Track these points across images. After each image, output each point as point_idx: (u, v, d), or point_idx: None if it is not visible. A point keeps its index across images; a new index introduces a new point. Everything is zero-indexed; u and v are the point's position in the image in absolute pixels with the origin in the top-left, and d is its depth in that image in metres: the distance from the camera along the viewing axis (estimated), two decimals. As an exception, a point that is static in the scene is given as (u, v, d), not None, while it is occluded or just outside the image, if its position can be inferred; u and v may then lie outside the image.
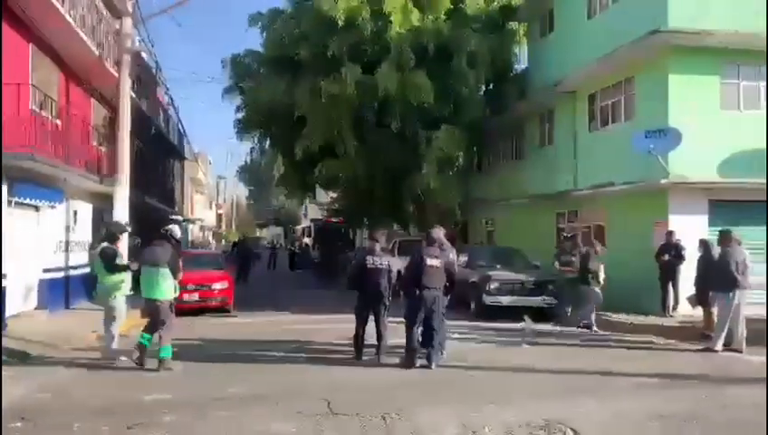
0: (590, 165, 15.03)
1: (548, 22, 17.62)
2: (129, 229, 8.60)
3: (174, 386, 6.94)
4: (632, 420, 5.76)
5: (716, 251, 10.13)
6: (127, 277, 8.35)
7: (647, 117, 13.00)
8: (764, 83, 13.01)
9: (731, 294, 9.31)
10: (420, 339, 8.12)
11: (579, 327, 11.68)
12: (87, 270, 14.45)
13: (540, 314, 12.73)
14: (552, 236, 16.96)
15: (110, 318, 8.31)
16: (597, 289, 11.59)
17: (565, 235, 15.13)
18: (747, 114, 12.87)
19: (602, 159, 14.50)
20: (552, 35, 17.42)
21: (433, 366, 7.87)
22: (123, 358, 7.97)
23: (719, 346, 9.35)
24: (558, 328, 11.96)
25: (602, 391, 6.94)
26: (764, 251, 12.71)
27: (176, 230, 8.46)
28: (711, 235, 11.74)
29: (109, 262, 8.15)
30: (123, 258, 8.22)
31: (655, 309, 12.23)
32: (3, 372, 6.82)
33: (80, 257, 14.00)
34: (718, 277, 9.54)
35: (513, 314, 12.49)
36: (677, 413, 5.90)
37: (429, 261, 8.04)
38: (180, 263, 8.25)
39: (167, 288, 7.93)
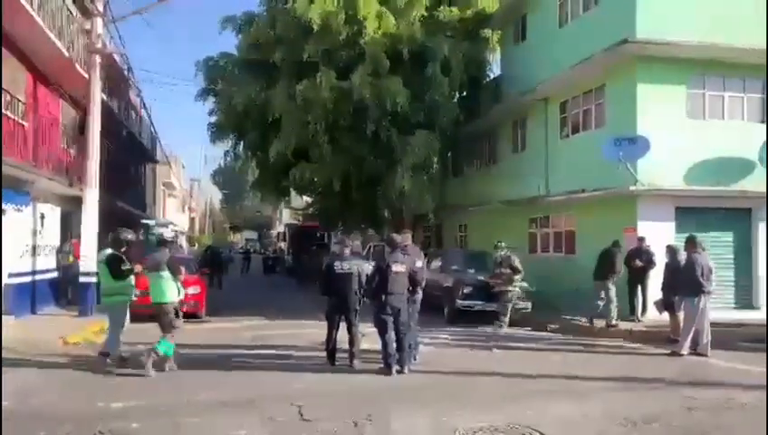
0: (561, 171, 15.26)
1: (521, 30, 17.87)
2: (133, 238, 8.75)
3: (144, 392, 6.85)
4: (599, 422, 5.86)
5: (682, 257, 10.37)
6: (132, 283, 8.54)
7: (616, 125, 13.26)
8: (729, 94, 13.37)
9: (696, 299, 9.52)
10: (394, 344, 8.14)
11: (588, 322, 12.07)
12: (55, 275, 14.18)
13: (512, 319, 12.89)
14: (525, 241, 17.17)
15: (116, 324, 8.37)
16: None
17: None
18: (712, 123, 13.21)
19: (573, 165, 14.74)
20: (524, 43, 17.67)
21: (406, 370, 7.91)
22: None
23: (685, 350, 9.56)
24: (528, 332, 12.10)
25: (571, 394, 7.06)
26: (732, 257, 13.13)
27: (126, 235, 8.63)
28: (678, 241, 12.03)
29: (114, 268, 8.21)
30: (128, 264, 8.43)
31: (623, 314, 12.44)
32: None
33: (47, 262, 13.71)
34: (684, 282, 9.75)
35: (486, 318, 12.63)
36: (644, 416, 6.02)
37: (395, 267, 8.07)
38: (180, 265, 8.57)
39: (170, 291, 8.20)
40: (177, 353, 8.29)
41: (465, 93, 20.12)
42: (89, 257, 12.77)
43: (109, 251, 8.42)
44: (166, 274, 8.19)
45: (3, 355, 8.36)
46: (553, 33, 15.89)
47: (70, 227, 15.36)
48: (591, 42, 13.28)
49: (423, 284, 8.85)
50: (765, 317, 10.26)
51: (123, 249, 8.47)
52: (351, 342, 8.37)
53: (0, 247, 9.12)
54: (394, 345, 7.99)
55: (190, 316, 13.16)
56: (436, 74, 17.47)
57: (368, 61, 17.23)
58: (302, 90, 17.25)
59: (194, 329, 11.87)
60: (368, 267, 8.69)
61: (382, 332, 8.04)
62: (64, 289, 14.36)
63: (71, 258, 14.06)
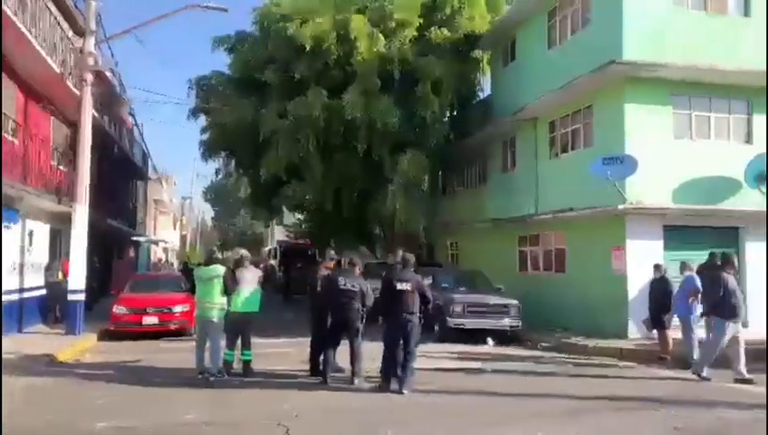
0: (550, 190, 15.37)
1: (510, 51, 18.09)
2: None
3: (128, 412, 6.77)
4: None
5: (669, 275, 10.44)
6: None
7: (604, 144, 13.39)
8: (715, 115, 13.56)
9: (728, 323, 8.85)
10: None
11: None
12: (43, 292, 14.07)
13: (503, 337, 12.91)
14: (515, 260, 17.23)
15: (217, 334, 8.66)
16: None
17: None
18: (698, 143, 13.37)
19: (562, 184, 14.86)
20: (514, 64, 17.88)
21: (405, 391, 7.77)
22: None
23: (705, 372, 9.06)
24: (519, 350, 12.09)
25: (563, 414, 7.04)
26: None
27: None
28: (666, 259, 12.13)
29: (227, 285, 8.70)
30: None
31: (614, 331, 12.48)
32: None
33: (35, 279, 13.60)
34: (717, 303, 8.99)
35: (477, 336, 12.63)
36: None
37: (399, 285, 8.03)
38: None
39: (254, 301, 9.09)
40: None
41: (455, 113, 20.30)
42: (77, 275, 12.70)
43: (222, 268, 8.85)
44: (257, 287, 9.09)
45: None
46: (542, 55, 16.10)
47: (59, 245, 15.28)
48: (580, 63, 13.46)
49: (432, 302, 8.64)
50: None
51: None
52: (354, 359, 8.33)
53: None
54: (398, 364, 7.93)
55: (179, 334, 13.11)
56: (426, 94, 17.64)
57: (359, 80, 17.39)
58: (294, 108, 17.36)
59: (181, 347, 11.78)
60: (368, 285, 8.69)
61: (387, 349, 8.03)
62: (52, 307, 14.24)
63: (59, 276, 13.96)
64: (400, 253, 9.44)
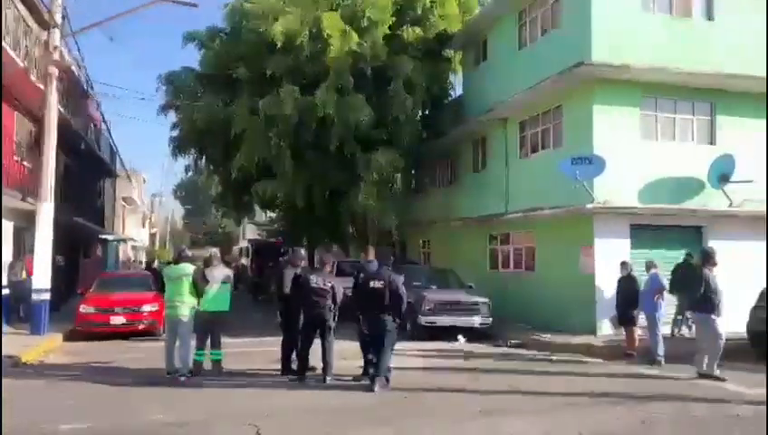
0: (521, 190, 15.56)
1: (482, 51, 18.24)
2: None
3: (95, 414, 6.66)
4: (555, 437, 5.96)
5: (635, 273, 10.66)
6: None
7: (573, 144, 13.61)
8: (680, 116, 13.89)
9: (712, 318, 8.93)
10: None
11: None
12: (6, 292, 13.71)
13: (474, 334, 13.03)
14: (486, 258, 17.40)
15: (187, 334, 8.62)
16: None
17: None
18: (664, 144, 13.68)
19: (532, 184, 15.05)
20: (485, 64, 18.04)
21: (375, 389, 7.78)
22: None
23: (714, 370, 8.95)
24: (489, 347, 12.22)
25: (531, 410, 7.13)
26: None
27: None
28: (633, 257, 12.38)
29: (197, 284, 8.73)
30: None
31: (583, 328, 12.69)
32: None
33: (-3, 278, 13.25)
34: (700, 300, 9.07)
35: (448, 334, 12.73)
36: (604, 431, 6.14)
37: (373, 283, 8.05)
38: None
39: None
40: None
41: (427, 112, 20.38)
42: (42, 274, 12.43)
43: (191, 267, 8.83)
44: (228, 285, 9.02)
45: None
46: (513, 55, 16.27)
47: (23, 243, 14.92)
48: (549, 64, 13.64)
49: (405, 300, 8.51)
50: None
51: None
52: (325, 357, 8.32)
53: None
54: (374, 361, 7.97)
55: (148, 334, 12.93)
56: (399, 92, 17.67)
57: (331, 78, 17.34)
58: (265, 105, 17.23)
59: (149, 347, 11.63)
60: (339, 283, 8.73)
61: (363, 348, 8.10)
62: (16, 307, 13.89)
63: (23, 275, 13.63)
64: (372, 251, 9.45)
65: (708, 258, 9.32)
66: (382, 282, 8.02)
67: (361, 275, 8.47)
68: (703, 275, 9.06)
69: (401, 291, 8.06)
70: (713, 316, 8.95)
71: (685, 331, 12.51)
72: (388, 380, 7.98)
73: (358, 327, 8.38)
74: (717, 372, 8.88)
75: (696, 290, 9.05)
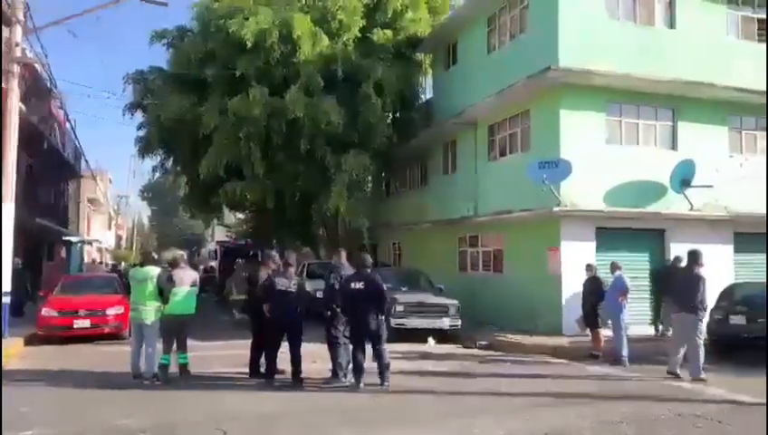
0: (489, 193, 15.73)
1: (452, 54, 18.40)
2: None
3: (57, 419, 6.53)
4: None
5: (600, 275, 10.88)
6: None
7: (541, 148, 13.82)
8: (643, 122, 14.22)
9: (694, 317, 8.97)
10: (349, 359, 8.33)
11: None
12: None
13: (444, 336, 13.12)
14: (456, 260, 17.54)
15: (153, 337, 8.53)
16: None
17: None
18: (628, 149, 13.98)
19: (501, 187, 15.23)
20: (455, 68, 18.20)
21: (361, 385, 8.01)
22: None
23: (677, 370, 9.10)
24: (458, 349, 12.33)
25: (498, 410, 7.21)
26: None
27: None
28: (598, 260, 12.64)
29: (162, 287, 8.59)
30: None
31: (550, 330, 12.89)
32: None
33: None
34: (683, 299, 9.15)
35: (418, 335, 12.79)
36: (568, 431, 6.25)
37: (353, 284, 8.22)
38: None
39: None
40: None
41: (398, 115, 20.46)
42: (2, 276, 12.08)
43: (156, 269, 8.69)
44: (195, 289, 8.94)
45: None
46: (482, 60, 16.46)
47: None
48: (518, 69, 13.83)
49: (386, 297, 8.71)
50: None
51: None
52: (294, 360, 8.32)
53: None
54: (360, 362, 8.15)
55: (114, 338, 12.68)
56: (369, 95, 17.70)
57: (302, 79, 17.29)
58: (235, 106, 17.09)
59: (115, 351, 11.41)
60: (307, 285, 8.80)
61: (353, 347, 8.26)
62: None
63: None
64: (344, 253, 9.48)
65: (697, 259, 9.34)
66: (362, 283, 8.21)
67: (335, 277, 8.56)
68: (701, 278, 9.08)
69: (383, 290, 8.29)
70: (700, 317, 9.02)
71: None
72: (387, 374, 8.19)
73: (327, 333, 8.47)
74: (704, 375, 8.86)
75: (694, 291, 8.98)
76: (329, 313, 8.51)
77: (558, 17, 13.27)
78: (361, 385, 8.00)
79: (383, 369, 8.12)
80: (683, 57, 13.90)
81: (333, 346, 8.49)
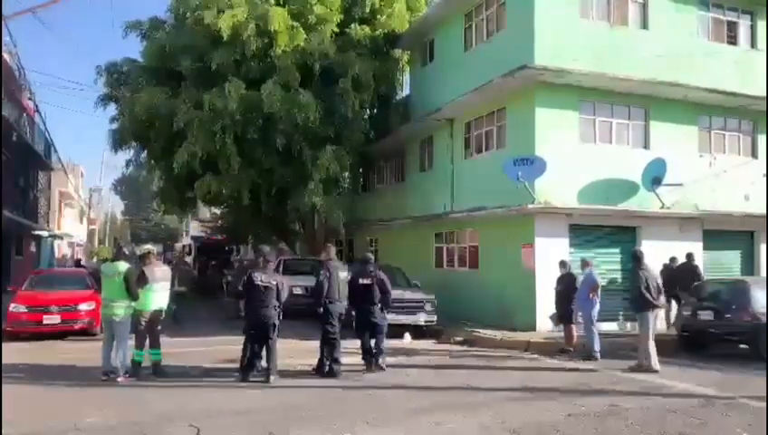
0: (465, 189, 15.83)
1: (429, 51, 18.43)
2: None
3: (25, 417, 6.40)
4: (495, 433, 6.11)
5: (574, 271, 11.06)
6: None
7: (516, 146, 13.94)
8: (616, 121, 14.44)
9: (647, 314, 9.77)
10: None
11: None
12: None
13: (420, 331, 13.19)
14: (432, 256, 17.63)
15: (124, 333, 8.42)
16: None
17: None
18: (601, 147, 14.19)
19: (477, 184, 15.34)
20: (432, 64, 18.24)
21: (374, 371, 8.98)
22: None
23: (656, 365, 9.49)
24: (434, 344, 12.40)
25: (471, 404, 7.30)
26: (620, 271, 14.06)
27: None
28: (571, 256, 12.83)
29: (130, 283, 8.42)
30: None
31: (524, 325, 13.03)
32: None
33: None
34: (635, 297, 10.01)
35: (394, 331, 12.82)
36: (540, 424, 6.34)
37: (362, 280, 9.27)
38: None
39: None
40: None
41: (375, 111, 20.44)
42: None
43: (126, 264, 8.50)
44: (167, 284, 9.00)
45: None
46: (459, 57, 16.52)
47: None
48: (494, 66, 13.91)
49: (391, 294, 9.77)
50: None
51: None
52: (269, 356, 8.34)
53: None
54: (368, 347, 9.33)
55: (85, 334, 12.49)
56: (346, 90, 17.64)
57: (279, 74, 17.16)
58: (210, 99, 16.88)
59: (86, 348, 11.24)
60: (286, 281, 8.92)
61: (359, 336, 9.39)
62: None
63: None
64: (332, 249, 9.66)
65: (639, 259, 10.13)
66: (370, 279, 9.26)
67: (325, 273, 8.95)
68: (640, 277, 9.85)
69: (387, 286, 9.46)
70: (647, 314, 9.78)
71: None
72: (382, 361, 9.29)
73: (324, 330, 8.92)
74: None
75: (634, 290, 9.92)
76: (321, 309, 8.86)
77: (534, 15, 13.38)
78: (383, 366, 9.19)
79: (380, 353, 9.29)
80: (655, 58, 14.13)
81: (329, 343, 8.79)
